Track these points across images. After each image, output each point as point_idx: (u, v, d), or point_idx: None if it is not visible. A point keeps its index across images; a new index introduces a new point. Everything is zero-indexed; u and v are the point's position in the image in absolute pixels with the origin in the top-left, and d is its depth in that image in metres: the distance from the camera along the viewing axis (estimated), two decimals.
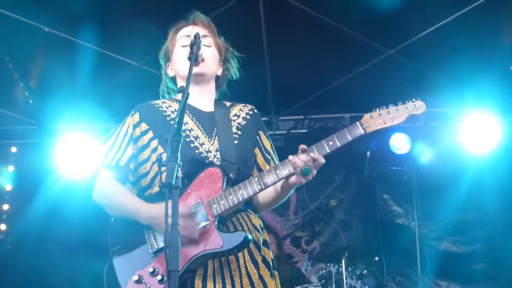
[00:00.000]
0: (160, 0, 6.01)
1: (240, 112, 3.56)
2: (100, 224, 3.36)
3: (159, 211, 3.03)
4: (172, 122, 3.34)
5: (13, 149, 8.56)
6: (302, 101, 8.25)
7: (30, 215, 8.11)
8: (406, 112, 3.21)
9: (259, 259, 3.22)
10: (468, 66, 6.88)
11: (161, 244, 3.09)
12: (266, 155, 3.49)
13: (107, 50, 6.95)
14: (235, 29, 6.31)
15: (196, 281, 3.07)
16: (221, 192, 3.12)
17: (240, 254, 3.15)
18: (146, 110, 3.44)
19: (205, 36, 3.50)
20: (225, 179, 3.17)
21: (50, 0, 6.15)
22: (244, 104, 3.64)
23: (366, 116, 3.18)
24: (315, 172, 3.10)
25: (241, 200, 3.11)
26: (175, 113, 3.39)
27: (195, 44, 3.07)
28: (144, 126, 3.37)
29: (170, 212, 2.48)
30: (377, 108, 3.19)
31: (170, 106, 3.46)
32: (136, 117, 3.41)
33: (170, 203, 2.49)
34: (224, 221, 3.16)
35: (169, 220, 2.46)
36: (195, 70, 3.35)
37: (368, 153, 8.35)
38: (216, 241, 3.03)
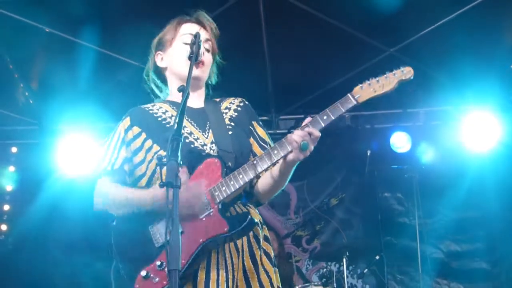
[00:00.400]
0: None
1: (230, 105, 3.57)
2: (101, 225, 3.37)
3: (162, 193, 2.99)
4: (164, 122, 3.36)
5: (14, 150, 8.57)
6: (303, 100, 8.26)
7: (31, 216, 8.11)
8: (395, 79, 3.21)
9: (258, 253, 3.22)
10: (469, 64, 6.88)
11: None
12: (262, 143, 3.50)
13: (108, 50, 6.95)
14: (235, 29, 6.36)
15: (199, 273, 3.08)
16: (222, 180, 3.14)
17: (241, 247, 3.17)
18: (136, 114, 3.44)
19: (207, 40, 3.50)
20: (224, 168, 3.19)
21: (50, 0, 6.15)
22: (233, 98, 3.64)
23: (357, 88, 3.23)
24: (313, 147, 3.10)
25: (242, 184, 3.12)
26: (167, 113, 3.41)
27: (195, 43, 3.07)
28: (136, 129, 3.37)
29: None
30: (367, 80, 3.23)
31: (160, 107, 3.46)
32: (127, 121, 3.41)
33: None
34: (226, 208, 3.17)
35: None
36: (196, 72, 3.37)
37: (369, 152, 8.35)
38: (221, 226, 3.05)
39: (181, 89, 2.89)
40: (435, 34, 6.72)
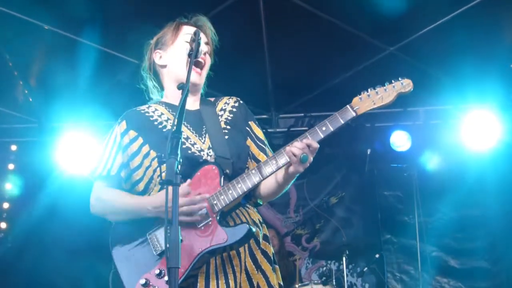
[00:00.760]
0: None
1: (225, 106, 3.53)
2: (102, 223, 3.36)
3: (162, 199, 3.02)
4: (160, 126, 3.33)
5: (13, 147, 8.56)
6: (302, 99, 8.25)
7: (30, 214, 8.12)
8: (394, 91, 3.18)
9: (258, 254, 3.21)
10: (469, 63, 6.88)
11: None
12: (259, 143, 3.48)
13: (108, 48, 6.95)
14: (235, 27, 6.35)
15: (198, 279, 3.07)
16: (220, 188, 3.12)
17: (241, 250, 3.16)
18: (132, 117, 3.41)
19: (206, 43, 3.50)
20: (222, 175, 3.17)
21: None
22: (228, 97, 3.61)
23: (356, 99, 3.19)
24: (312, 158, 3.10)
25: (240, 193, 3.11)
26: (162, 117, 3.38)
27: (195, 40, 3.06)
28: (132, 133, 3.35)
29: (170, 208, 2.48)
30: (365, 90, 3.19)
31: (156, 110, 3.43)
32: (123, 125, 3.39)
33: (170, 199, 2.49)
34: (224, 217, 3.16)
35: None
36: (195, 78, 3.38)
37: (369, 151, 8.34)
38: (220, 236, 3.03)
39: (181, 87, 2.88)
40: (435, 33, 6.71)
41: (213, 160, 3.23)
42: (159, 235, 3.13)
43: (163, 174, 2.54)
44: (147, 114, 3.42)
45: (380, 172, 8.76)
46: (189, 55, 3.07)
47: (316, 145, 3.09)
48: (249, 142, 3.47)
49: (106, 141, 3.41)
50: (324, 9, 6.49)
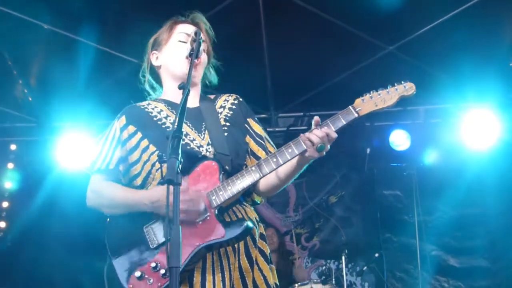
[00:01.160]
0: None
1: (225, 103, 3.55)
2: (101, 221, 3.36)
3: (160, 194, 3.06)
4: (159, 122, 3.35)
5: (13, 147, 8.55)
6: (302, 98, 8.25)
7: (30, 213, 8.12)
8: (397, 94, 3.20)
9: (254, 252, 3.22)
10: (468, 62, 6.88)
11: (162, 239, 3.09)
12: (258, 140, 3.50)
13: (107, 47, 6.94)
14: (234, 26, 6.35)
15: (195, 274, 3.07)
16: (219, 184, 3.13)
17: (237, 247, 3.16)
18: (132, 112, 3.43)
19: (203, 41, 3.46)
20: (222, 171, 3.18)
21: None
22: (228, 95, 3.62)
23: (358, 100, 3.21)
24: (328, 147, 3.16)
25: (240, 189, 3.12)
26: (162, 113, 3.40)
27: (195, 40, 3.05)
28: (131, 128, 3.36)
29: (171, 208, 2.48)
30: (368, 92, 3.22)
31: (155, 107, 3.45)
32: (123, 120, 3.40)
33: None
34: (222, 213, 3.16)
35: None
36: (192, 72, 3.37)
37: (368, 150, 8.36)
38: (218, 231, 3.04)
39: (182, 87, 2.87)
40: (435, 32, 6.71)
41: (212, 156, 3.24)
42: (156, 228, 3.13)
43: (164, 170, 2.54)
44: (146, 110, 3.43)
45: (380, 171, 8.77)
46: (190, 55, 3.06)
47: (335, 135, 3.13)
48: (248, 139, 3.48)
49: (105, 136, 3.42)
50: (324, 8, 6.49)
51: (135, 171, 3.31)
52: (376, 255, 7.77)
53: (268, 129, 8.38)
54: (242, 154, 3.39)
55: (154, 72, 3.61)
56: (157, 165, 3.20)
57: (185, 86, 2.80)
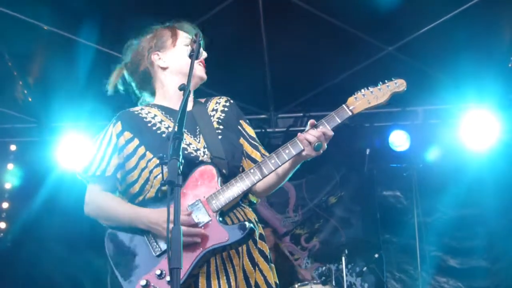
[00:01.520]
0: None
1: (217, 106, 3.57)
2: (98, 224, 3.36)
3: (159, 216, 3.07)
4: (154, 128, 3.34)
5: (13, 147, 8.55)
6: (302, 99, 8.26)
7: (30, 214, 8.12)
8: (389, 91, 3.28)
9: (255, 253, 3.24)
10: (468, 63, 6.88)
11: (164, 247, 3.08)
12: (252, 141, 3.52)
13: (107, 48, 6.94)
14: (234, 27, 6.36)
15: (200, 280, 3.07)
16: (218, 188, 3.15)
17: (240, 249, 3.18)
18: (127, 118, 3.42)
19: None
20: (220, 175, 3.20)
21: None
22: (218, 97, 3.64)
23: (351, 98, 3.28)
24: (325, 146, 3.20)
25: (240, 192, 3.14)
26: (156, 118, 3.39)
27: (196, 41, 3.06)
28: (127, 134, 3.35)
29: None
30: (360, 90, 3.29)
31: (149, 112, 3.44)
32: (119, 126, 3.39)
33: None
34: (223, 217, 3.17)
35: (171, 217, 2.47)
36: (202, 73, 3.46)
37: (368, 151, 8.36)
38: (222, 235, 3.05)
39: (182, 88, 2.88)
40: (434, 33, 6.72)
41: (209, 160, 3.25)
42: (157, 236, 3.13)
43: (165, 174, 2.55)
44: (140, 115, 3.43)
45: (379, 172, 8.76)
46: (190, 56, 3.06)
47: (331, 133, 3.19)
48: (242, 140, 3.51)
49: (99, 141, 3.41)
50: (323, 9, 6.50)
51: (132, 178, 3.30)
52: (376, 255, 7.76)
53: (267, 130, 8.40)
54: (237, 156, 3.41)
55: (148, 74, 3.57)
56: (155, 172, 3.21)
57: (185, 87, 2.81)
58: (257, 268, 3.22)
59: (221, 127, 3.44)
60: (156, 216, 3.08)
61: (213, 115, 3.50)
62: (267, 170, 3.17)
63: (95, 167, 3.33)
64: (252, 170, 3.18)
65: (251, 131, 3.58)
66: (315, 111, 8.31)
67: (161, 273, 3.02)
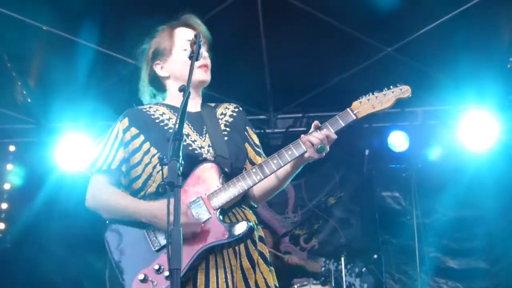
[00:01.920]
0: None
1: (226, 111, 3.62)
2: (101, 222, 3.36)
3: (159, 208, 3.07)
4: (161, 124, 3.38)
5: (12, 148, 8.54)
6: (301, 99, 8.25)
7: (29, 214, 8.11)
8: (394, 96, 3.31)
9: (254, 255, 3.25)
10: (467, 64, 6.89)
11: (163, 242, 3.10)
12: (256, 149, 3.56)
13: (106, 49, 6.94)
14: (233, 27, 6.36)
15: (198, 275, 3.09)
16: (220, 186, 3.17)
17: (238, 249, 3.19)
18: (134, 115, 3.47)
19: (204, 44, 3.50)
20: (222, 173, 3.22)
21: None
22: (228, 103, 3.70)
23: (355, 103, 3.30)
24: (328, 148, 3.23)
25: (241, 191, 3.17)
26: (164, 115, 3.44)
27: (196, 43, 3.06)
28: (134, 130, 3.39)
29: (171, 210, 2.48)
30: (365, 95, 3.31)
31: (157, 110, 3.49)
32: (125, 122, 3.43)
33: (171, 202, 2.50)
34: (223, 215, 3.19)
35: (171, 218, 2.48)
36: (203, 76, 3.47)
37: (367, 151, 8.36)
38: (221, 233, 3.07)
39: (182, 89, 2.89)
40: (433, 34, 6.72)
41: (212, 159, 3.28)
42: (157, 231, 3.15)
43: (164, 172, 2.56)
44: (148, 112, 3.47)
45: (379, 173, 8.76)
46: (190, 58, 3.05)
47: (335, 136, 3.22)
48: (246, 145, 3.54)
49: (106, 137, 3.44)
50: (322, 10, 6.50)
51: (136, 173, 3.33)
52: (375, 256, 7.77)
53: (267, 131, 8.39)
54: (242, 158, 3.44)
55: (157, 81, 3.63)
56: (158, 167, 3.23)
57: (185, 89, 2.81)
58: (257, 270, 3.23)
59: (228, 129, 3.48)
60: (157, 208, 3.09)
61: (222, 118, 3.54)
62: (269, 170, 3.19)
63: (102, 161, 3.36)
64: (254, 170, 3.20)
65: (256, 139, 3.63)
66: (314, 112, 8.32)
67: (160, 268, 3.05)
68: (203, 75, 3.49)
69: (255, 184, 3.20)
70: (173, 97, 3.53)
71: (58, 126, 8.16)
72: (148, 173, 3.30)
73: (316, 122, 3.24)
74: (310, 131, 3.22)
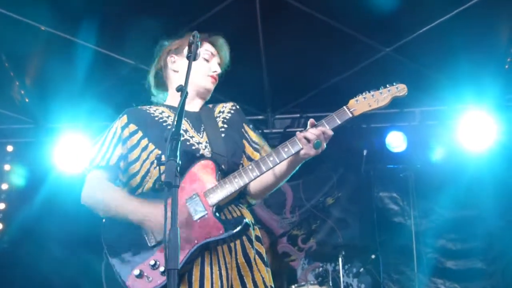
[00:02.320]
0: None
1: (223, 109, 3.68)
2: (99, 222, 3.36)
3: (150, 211, 3.11)
4: (161, 121, 3.43)
5: (9, 148, 8.54)
6: (299, 100, 8.26)
7: (27, 214, 8.10)
8: (390, 95, 3.33)
9: (251, 253, 3.27)
10: (465, 64, 6.89)
11: (160, 237, 3.12)
12: (254, 145, 3.59)
13: (105, 49, 6.94)
14: (232, 27, 6.34)
15: (194, 271, 3.11)
16: (216, 183, 3.20)
17: (233, 246, 3.21)
18: (133, 112, 3.52)
19: (219, 64, 3.69)
20: (218, 170, 3.25)
21: None
22: (225, 103, 3.75)
23: (352, 101, 3.32)
24: (325, 145, 3.24)
25: (237, 188, 3.20)
26: (163, 114, 3.48)
27: (193, 43, 3.07)
28: (132, 127, 3.43)
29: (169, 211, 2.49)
30: (361, 93, 3.34)
31: (157, 109, 3.54)
32: (124, 119, 3.47)
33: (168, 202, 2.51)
34: (219, 211, 3.21)
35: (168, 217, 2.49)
36: (211, 86, 3.60)
37: (365, 152, 8.36)
38: (217, 228, 3.10)
39: (180, 89, 2.90)
40: (432, 34, 6.72)
41: (209, 155, 3.32)
42: (154, 228, 3.15)
43: (163, 176, 2.56)
44: (147, 111, 3.52)
45: (376, 173, 8.76)
46: (188, 58, 3.07)
47: (331, 132, 3.23)
48: (244, 142, 3.57)
49: (105, 135, 3.48)
50: (321, 9, 6.51)
51: (134, 169, 3.36)
52: (373, 256, 7.77)
53: (265, 131, 8.39)
54: (238, 154, 3.47)
55: (162, 75, 3.69)
56: (156, 164, 3.23)
57: (183, 88, 2.83)
58: (254, 268, 3.25)
59: (225, 126, 3.53)
60: (147, 211, 3.13)
61: (219, 116, 3.60)
62: (265, 167, 3.21)
63: (100, 158, 3.39)
64: (250, 167, 3.23)
65: (253, 135, 3.65)
66: (312, 112, 8.31)
67: (155, 264, 3.07)
68: (210, 84, 3.60)
69: (251, 181, 3.23)
70: (173, 97, 3.59)
71: (56, 126, 8.17)
72: (146, 169, 3.32)
73: (311, 120, 3.26)
74: (306, 129, 3.24)
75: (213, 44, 3.68)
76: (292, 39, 6.94)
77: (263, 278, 3.25)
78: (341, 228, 8.82)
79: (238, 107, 3.74)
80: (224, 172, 3.28)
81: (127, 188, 3.39)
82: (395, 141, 8.28)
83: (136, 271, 3.06)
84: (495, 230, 8.25)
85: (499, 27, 6.76)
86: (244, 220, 3.14)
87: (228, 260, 3.18)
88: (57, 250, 8.14)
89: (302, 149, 3.21)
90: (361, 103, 3.29)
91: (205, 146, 3.34)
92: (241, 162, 3.47)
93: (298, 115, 8.54)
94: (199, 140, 3.36)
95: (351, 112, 3.27)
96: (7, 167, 8.52)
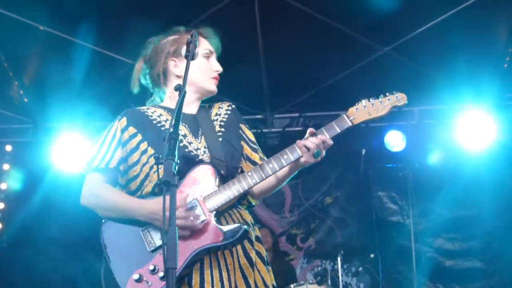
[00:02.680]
0: None
1: (219, 111, 3.64)
2: (98, 223, 3.36)
3: (157, 206, 3.08)
4: (158, 125, 3.40)
5: (8, 148, 8.53)
6: (297, 99, 8.25)
7: (26, 214, 8.10)
8: (389, 104, 3.39)
9: (252, 254, 3.27)
10: (464, 63, 6.89)
11: (159, 242, 3.11)
12: (252, 145, 3.58)
13: (103, 49, 6.94)
14: (230, 27, 6.34)
15: (193, 276, 3.10)
16: (216, 188, 3.18)
17: (234, 249, 3.21)
18: (132, 115, 3.47)
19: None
20: (218, 175, 3.24)
21: None
22: (220, 103, 3.71)
23: (351, 109, 3.36)
24: (324, 153, 3.25)
25: (236, 194, 3.19)
26: (161, 117, 3.45)
27: (191, 42, 3.04)
28: (132, 129, 3.40)
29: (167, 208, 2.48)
30: (360, 101, 3.36)
31: (155, 111, 3.50)
32: (124, 121, 3.43)
33: (167, 200, 2.50)
34: (218, 216, 3.21)
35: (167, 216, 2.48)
36: (214, 88, 3.55)
37: (364, 151, 8.36)
38: (216, 235, 3.08)
39: (178, 88, 2.89)
40: (430, 33, 6.72)
41: (208, 160, 3.29)
42: (153, 231, 3.16)
43: (160, 171, 2.56)
44: (146, 113, 3.48)
45: (375, 172, 8.77)
46: (186, 57, 3.03)
47: (331, 142, 3.26)
48: (242, 143, 3.56)
49: (103, 136, 3.44)
50: (319, 9, 6.50)
51: (134, 172, 3.34)
52: (372, 256, 7.77)
53: (263, 130, 8.39)
54: (236, 157, 3.46)
55: (160, 77, 3.58)
56: (155, 167, 3.23)
57: (181, 88, 2.82)
58: (255, 269, 3.26)
59: (222, 129, 3.50)
60: (155, 206, 3.10)
61: (216, 119, 3.56)
62: (264, 174, 3.22)
63: (99, 160, 3.36)
64: (250, 173, 3.22)
65: (250, 135, 3.64)
66: (311, 112, 8.33)
67: (154, 269, 3.06)
68: (214, 87, 3.55)
69: (250, 187, 3.23)
70: (171, 99, 3.54)
71: (54, 126, 8.16)
72: (145, 173, 3.31)
73: (311, 129, 3.26)
74: (306, 137, 3.24)
75: (207, 39, 3.62)
76: (290, 39, 6.94)
77: (263, 278, 3.26)
78: (340, 228, 8.83)
79: (234, 106, 3.71)
80: (223, 176, 3.27)
81: (126, 190, 3.38)
82: (394, 140, 8.27)
83: (136, 276, 3.05)
84: (494, 230, 8.26)
85: (497, 26, 6.77)
86: (243, 227, 3.11)
87: (229, 261, 3.18)
88: (56, 249, 8.15)
89: (301, 156, 3.21)
90: (361, 112, 3.33)
91: (204, 152, 3.33)
92: (240, 165, 3.46)
93: (297, 114, 8.53)
94: (198, 146, 3.34)
95: (351, 121, 3.32)
96: (6, 166, 8.52)
